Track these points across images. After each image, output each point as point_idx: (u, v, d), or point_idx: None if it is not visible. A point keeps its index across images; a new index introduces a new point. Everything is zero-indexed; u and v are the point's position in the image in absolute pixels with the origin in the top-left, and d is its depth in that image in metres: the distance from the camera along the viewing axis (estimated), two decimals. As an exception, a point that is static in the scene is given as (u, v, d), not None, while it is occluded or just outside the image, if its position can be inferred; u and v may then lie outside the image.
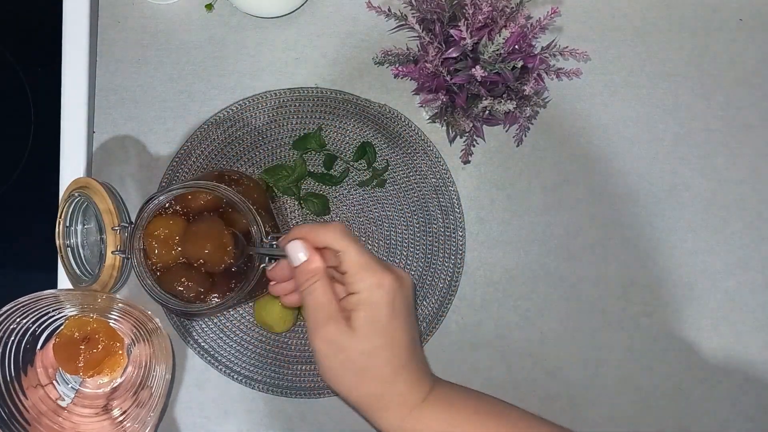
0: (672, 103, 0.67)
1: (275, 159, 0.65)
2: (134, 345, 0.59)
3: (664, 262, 0.66)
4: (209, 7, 0.66)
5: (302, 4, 0.65)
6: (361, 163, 0.65)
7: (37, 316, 0.57)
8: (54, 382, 0.58)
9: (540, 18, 0.56)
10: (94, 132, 0.65)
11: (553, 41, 0.59)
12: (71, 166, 0.63)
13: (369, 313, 0.46)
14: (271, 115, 0.65)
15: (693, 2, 0.68)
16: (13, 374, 0.55)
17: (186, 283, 0.54)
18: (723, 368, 0.65)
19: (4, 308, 0.53)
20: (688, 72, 0.67)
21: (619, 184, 0.66)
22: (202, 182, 0.53)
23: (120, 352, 0.58)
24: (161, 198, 0.54)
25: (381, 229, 0.65)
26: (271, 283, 0.52)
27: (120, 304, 0.57)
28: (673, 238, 0.66)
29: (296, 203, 0.65)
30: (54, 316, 0.58)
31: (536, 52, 0.58)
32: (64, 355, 0.57)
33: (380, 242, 0.65)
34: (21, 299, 0.54)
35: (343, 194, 0.65)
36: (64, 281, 0.62)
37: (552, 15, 0.55)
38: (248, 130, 0.65)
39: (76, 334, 0.57)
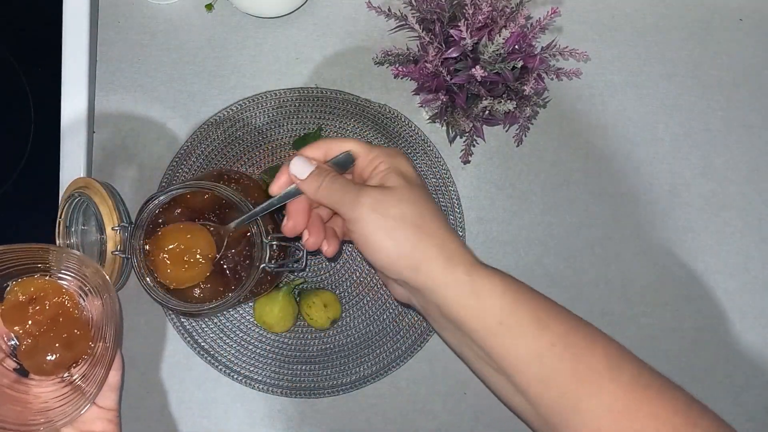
0: (672, 103, 0.67)
1: (275, 159, 0.65)
2: (84, 300, 0.57)
3: (664, 262, 0.66)
4: (209, 7, 0.66)
5: (302, 4, 0.65)
6: (361, 163, 0.65)
7: None
8: (9, 355, 0.56)
9: (540, 18, 0.56)
10: (94, 132, 0.65)
11: (553, 41, 0.59)
12: (71, 166, 0.63)
13: (401, 173, 0.45)
14: (271, 115, 0.65)
15: (693, 2, 0.68)
16: None
17: (203, 286, 0.54)
18: (723, 368, 0.65)
19: None
20: (688, 72, 0.67)
21: (619, 184, 0.66)
22: (202, 182, 0.53)
23: (74, 312, 0.56)
24: (161, 198, 0.54)
25: (381, 229, 0.65)
26: (303, 239, 0.48)
27: (68, 258, 0.55)
28: (673, 238, 0.66)
29: (296, 203, 0.65)
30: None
31: (536, 52, 0.58)
32: (14, 320, 0.54)
33: (380, 242, 0.65)
34: None
35: (343, 194, 0.65)
36: (64, 281, 0.62)
37: (552, 15, 0.55)
38: (248, 130, 0.65)
39: (21, 296, 0.55)
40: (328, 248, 0.49)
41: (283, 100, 0.65)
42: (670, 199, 0.66)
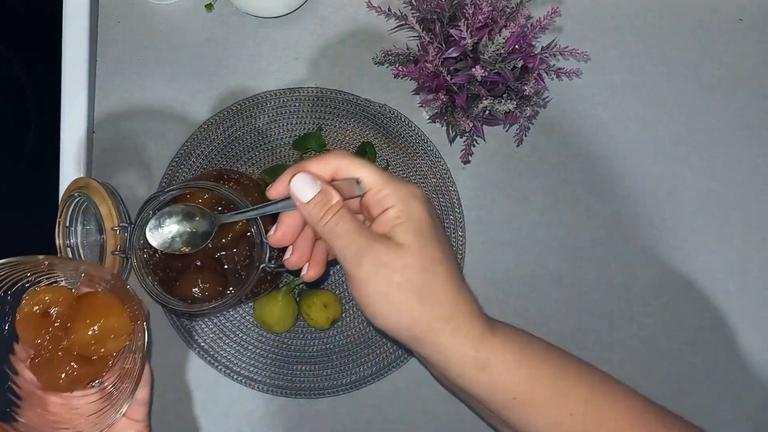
0: (672, 103, 0.67)
1: (275, 159, 0.65)
2: None
3: (664, 262, 0.66)
4: (209, 7, 0.66)
5: (302, 4, 0.65)
6: (361, 163, 0.65)
7: (8, 285, 0.52)
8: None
9: (540, 18, 0.56)
10: (94, 132, 0.65)
11: (553, 41, 0.59)
12: (71, 166, 0.63)
13: (413, 225, 0.40)
14: (271, 115, 0.65)
15: (693, 2, 0.68)
16: None
17: (203, 285, 0.54)
18: (723, 368, 0.65)
19: None
20: (688, 72, 0.67)
21: (619, 184, 0.66)
22: (202, 182, 0.53)
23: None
24: (161, 198, 0.54)
25: (381, 229, 0.65)
26: (285, 256, 0.44)
27: (83, 268, 0.54)
28: (673, 238, 0.66)
29: (296, 203, 0.65)
30: (26, 284, 0.53)
31: (536, 52, 0.58)
32: (32, 333, 0.52)
33: (380, 242, 0.65)
34: None
35: (343, 194, 0.65)
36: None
37: (552, 15, 0.55)
38: (248, 130, 0.65)
39: (36, 308, 0.52)
40: (309, 272, 0.45)
41: (283, 100, 0.65)
42: (670, 199, 0.66)
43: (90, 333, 0.51)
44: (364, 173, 0.41)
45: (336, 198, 0.40)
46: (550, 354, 0.43)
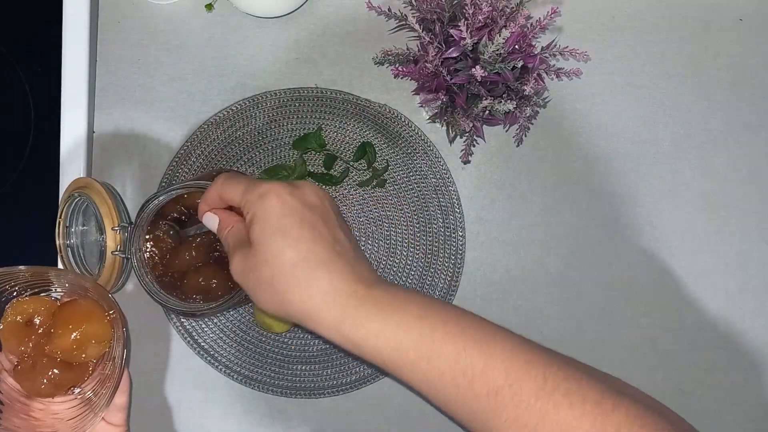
0: (672, 103, 0.67)
1: (275, 159, 0.65)
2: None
3: (664, 262, 0.66)
4: (209, 7, 0.66)
5: (302, 4, 0.65)
6: (361, 163, 0.65)
7: None
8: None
9: (540, 18, 0.56)
10: (94, 132, 0.65)
11: (553, 41, 0.59)
12: (71, 166, 0.63)
13: (259, 224, 0.43)
14: (271, 115, 0.65)
15: (693, 2, 0.68)
16: None
17: (203, 285, 0.55)
18: (723, 368, 0.65)
19: None
20: (688, 72, 0.67)
21: (619, 184, 0.66)
22: (202, 182, 0.53)
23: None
24: (161, 198, 0.54)
25: (381, 229, 0.65)
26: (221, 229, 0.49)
27: (69, 278, 0.56)
28: (673, 238, 0.66)
29: (296, 203, 0.65)
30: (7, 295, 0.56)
31: (536, 52, 0.58)
32: (12, 341, 0.54)
33: (380, 242, 0.65)
34: None
35: (343, 194, 0.65)
36: (64, 281, 0.62)
37: (552, 15, 0.55)
38: (248, 130, 0.65)
39: (19, 318, 0.55)
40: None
41: (283, 100, 0.65)
42: (670, 199, 0.66)
43: (72, 338, 0.53)
44: (229, 194, 0.46)
45: (227, 221, 0.47)
46: (427, 325, 0.42)
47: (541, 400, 0.39)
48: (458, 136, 0.65)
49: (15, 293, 0.55)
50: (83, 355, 0.54)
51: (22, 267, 0.53)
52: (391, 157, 0.65)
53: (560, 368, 0.40)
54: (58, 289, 0.57)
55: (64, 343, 0.53)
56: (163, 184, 0.64)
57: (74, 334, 0.53)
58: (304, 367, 0.64)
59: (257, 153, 0.65)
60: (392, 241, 0.65)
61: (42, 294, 0.57)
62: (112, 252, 0.56)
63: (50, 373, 0.54)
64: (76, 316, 0.54)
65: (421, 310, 0.42)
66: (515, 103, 0.58)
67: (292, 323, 0.62)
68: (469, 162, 0.65)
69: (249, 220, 0.44)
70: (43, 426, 0.54)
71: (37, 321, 0.55)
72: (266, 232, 0.43)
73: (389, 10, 0.60)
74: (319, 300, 0.42)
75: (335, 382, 0.63)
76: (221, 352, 0.63)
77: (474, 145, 0.65)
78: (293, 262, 0.42)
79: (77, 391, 0.56)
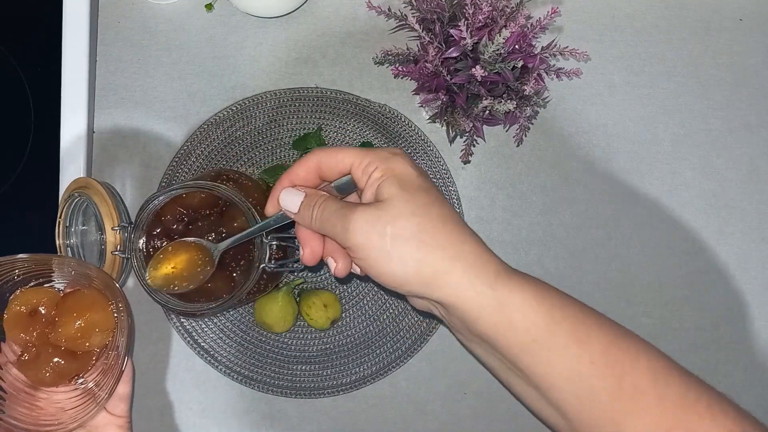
0: (672, 103, 0.67)
1: (275, 159, 0.65)
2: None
3: (664, 262, 0.66)
4: (209, 7, 0.66)
5: (302, 4, 0.65)
6: (361, 163, 0.65)
7: None
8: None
9: (540, 18, 0.56)
10: (94, 132, 0.65)
11: (553, 41, 0.59)
12: (71, 166, 0.63)
13: (396, 178, 0.40)
14: (271, 115, 0.65)
15: (693, 2, 0.68)
16: None
17: (211, 283, 0.55)
18: (723, 368, 0.65)
19: None
20: (688, 72, 0.67)
21: (619, 184, 0.66)
22: (201, 182, 0.53)
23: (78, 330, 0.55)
24: (161, 198, 0.54)
25: (381, 229, 0.65)
26: (331, 266, 0.45)
27: (73, 265, 0.55)
28: (673, 238, 0.66)
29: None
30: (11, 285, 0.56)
31: (536, 52, 0.58)
32: (16, 330, 0.54)
33: (380, 242, 0.65)
34: None
35: (343, 194, 0.65)
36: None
37: (552, 15, 0.55)
38: (248, 130, 0.65)
39: (23, 308, 0.55)
40: (338, 265, 0.45)
41: (283, 100, 0.65)
42: (670, 199, 0.66)
43: (76, 326, 0.53)
44: (343, 154, 0.43)
45: (317, 195, 0.43)
46: (569, 300, 0.42)
47: (684, 407, 0.39)
48: (458, 136, 0.65)
49: (18, 283, 0.55)
50: (87, 344, 0.54)
51: (23, 255, 0.53)
52: (391, 157, 0.65)
53: (701, 382, 0.41)
54: (62, 280, 0.57)
55: (69, 331, 0.53)
56: (163, 184, 0.64)
57: (78, 322, 0.53)
58: (304, 367, 0.64)
59: (257, 153, 0.65)
60: (392, 241, 0.65)
61: (45, 285, 0.57)
62: (112, 252, 0.56)
63: (54, 361, 0.54)
64: (81, 305, 0.54)
65: (566, 298, 0.42)
66: (515, 103, 0.58)
67: (292, 324, 0.62)
68: (469, 162, 0.65)
69: (377, 177, 0.41)
70: (46, 415, 0.54)
71: (41, 311, 0.55)
72: (409, 187, 0.40)
73: (389, 10, 0.60)
74: (474, 258, 0.40)
75: (335, 382, 0.63)
76: (221, 352, 0.63)
77: (474, 145, 0.65)
78: (443, 216, 0.40)
79: (80, 381, 0.56)
